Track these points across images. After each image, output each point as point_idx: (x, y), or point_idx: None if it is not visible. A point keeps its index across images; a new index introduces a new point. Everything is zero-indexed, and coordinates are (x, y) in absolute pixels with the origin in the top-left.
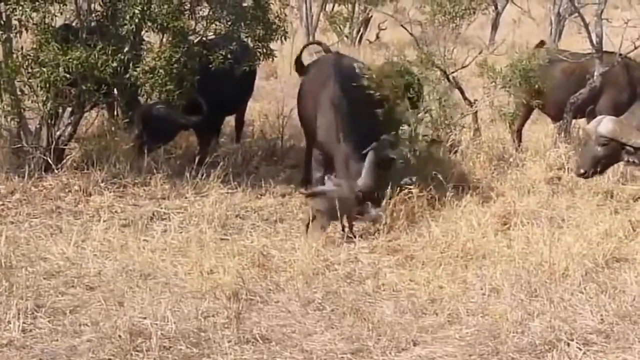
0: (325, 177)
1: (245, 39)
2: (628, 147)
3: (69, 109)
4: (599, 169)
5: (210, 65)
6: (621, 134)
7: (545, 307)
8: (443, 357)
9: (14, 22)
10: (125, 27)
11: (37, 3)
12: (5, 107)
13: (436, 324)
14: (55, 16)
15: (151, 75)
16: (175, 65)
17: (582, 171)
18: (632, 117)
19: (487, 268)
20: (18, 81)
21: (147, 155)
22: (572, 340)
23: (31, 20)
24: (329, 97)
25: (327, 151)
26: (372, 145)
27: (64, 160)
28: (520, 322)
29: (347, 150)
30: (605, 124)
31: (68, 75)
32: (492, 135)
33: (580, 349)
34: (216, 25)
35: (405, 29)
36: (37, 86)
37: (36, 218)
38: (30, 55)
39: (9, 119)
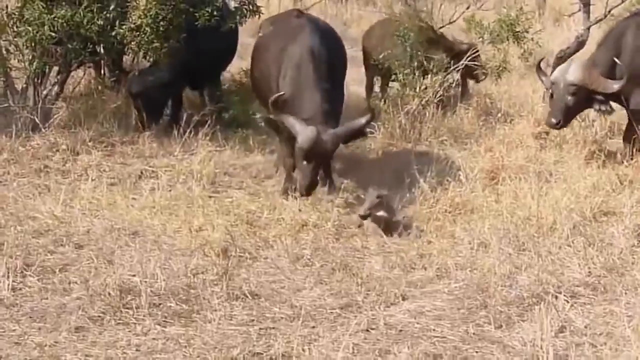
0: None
1: None
2: (598, 95)
3: (56, 67)
4: (570, 118)
5: (197, 23)
6: (590, 81)
7: (533, 261)
8: (432, 311)
9: None
10: None
11: None
12: None
13: (425, 278)
14: None
15: (137, 33)
16: (162, 23)
17: (554, 121)
18: (595, 66)
19: (475, 222)
20: (3, 40)
21: (153, 128)
22: (560, 293)
23: None
24: (304, 48)
25: (294, 103)
26: (362, 119)
27: (51, 120)
28: (508, 276)
29: (322, 97)
30: (573, 72)
31: (53, 34)
32: (480, 90)
33: (567, 302)
34: None
35: None
36: (23, 45)
37: (24, 177)
38: (15, 14)
39: None
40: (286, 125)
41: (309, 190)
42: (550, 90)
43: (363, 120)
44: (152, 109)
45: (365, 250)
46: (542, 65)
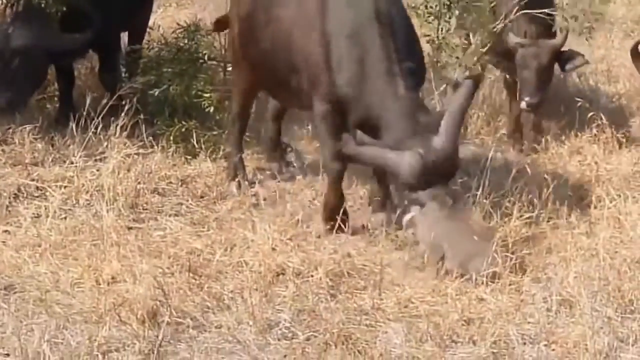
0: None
1: None
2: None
3: None
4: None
5: None
6: None
7: None
8: None
9: None
10: None
11: None
12: None
13: (474, 358)
14: None
15: None
16: None
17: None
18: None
19: (554, 269)
20: None
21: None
22: None
23: None
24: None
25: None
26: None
27: None
28: (607, 354)
29: (410, 96)
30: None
31: None
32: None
33: None
34: None
35: None
36: None
37: None
38: None
39: None
40: (369, 160)
41: None
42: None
43: (462, 93)
44: (31, 80)
45: (378, 313)
46: None
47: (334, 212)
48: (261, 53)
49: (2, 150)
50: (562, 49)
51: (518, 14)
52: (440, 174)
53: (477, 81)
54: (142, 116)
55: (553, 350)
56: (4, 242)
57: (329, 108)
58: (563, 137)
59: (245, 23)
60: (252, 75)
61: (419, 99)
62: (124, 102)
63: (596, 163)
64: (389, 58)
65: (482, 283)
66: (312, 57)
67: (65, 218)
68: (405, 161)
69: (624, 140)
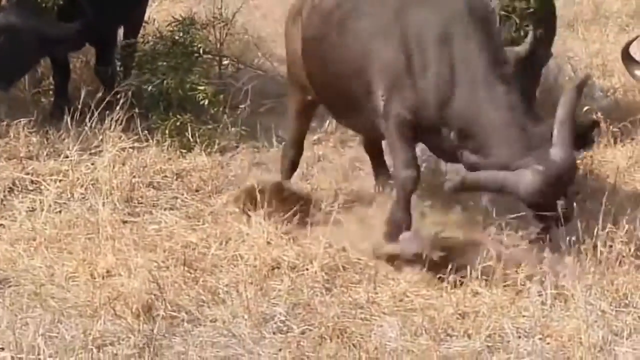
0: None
1: None
2: None
3: None
4: None
5: None
6: None
7: None
8: None
9: None
10: None
11: None
12: None
13: (469, 351)
14: None
15: None
16: None
17: None
18: None
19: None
20: None
21: None
22: None
23: None
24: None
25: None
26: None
27: None
28: (602, 347)
29: (514, 104)
30: None
31: None
32: None
33: None
34: None
35: None
36: None
37: None
38: None
39: None
40: (485, 186)
41: None
42: None
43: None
44: (18, 61)
45: (373, 306)
46: (633, 48)
47: (399, 229)
48: (330, 74)
49: None
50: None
51: None
52: (561, 187)
53: (581, 86)
54: (137, 110)
55: (548, 343)
56: None
57: (406, 115)
58: None
59: (312, 44)
60: (313, 97)
61: (525, 105)
62: (119, 96)
63: (591, 157)
64: (485, 60)
65: (477, 277)
66: (391, 64)
67: (60, 212)
68: (526, 181)
69: (620, 134)
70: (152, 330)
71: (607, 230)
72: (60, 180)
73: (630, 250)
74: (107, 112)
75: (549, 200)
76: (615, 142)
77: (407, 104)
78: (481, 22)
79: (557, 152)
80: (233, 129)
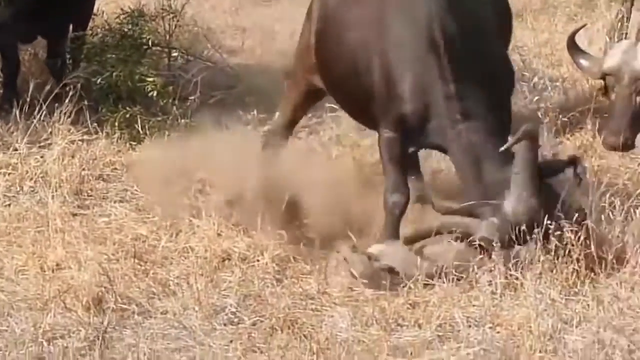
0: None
1: None
2: None
3: None
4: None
5: None
6: None
7: (590, 312)
8: None
9: None
10: None
11: None
12: None
13: (419, 341)
14: None
15: None
16: None
17: (614, 140)
18: None
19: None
20: None
21: None
22: None
23: None
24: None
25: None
26: (522, 128)
27: None
28: (551, 336)
29: (475, 140)
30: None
31: None
32: None
33: None
34: None
35: None
36: None
37: None
38: None
39: None
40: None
41: None
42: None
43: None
44: None
45: (324, 297)
46: (581, 38)
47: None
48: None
49: None
50: None
51: None
52: (519, 235)
53: (535, 130)
54: (86, 102)
55: (498, 332)
56: None
57: (393, 136)
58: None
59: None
60: (320, 88)
61: (489, 145)
62: (67, 89)
63: (540, 146)
64: (443, 78)
65: None
66: (376, 83)
67: (9, 205)
68: (482, 231)
69: (569, 124)
70: (103, 323)
71: None
72: (9, 174)
73: (579, 239)
74: (56, 104)
75: (508, 246)
76: (564, 132)
77: (393, 127)
78: (444, 39)
79: (510, 204)
80: (182, 120)
